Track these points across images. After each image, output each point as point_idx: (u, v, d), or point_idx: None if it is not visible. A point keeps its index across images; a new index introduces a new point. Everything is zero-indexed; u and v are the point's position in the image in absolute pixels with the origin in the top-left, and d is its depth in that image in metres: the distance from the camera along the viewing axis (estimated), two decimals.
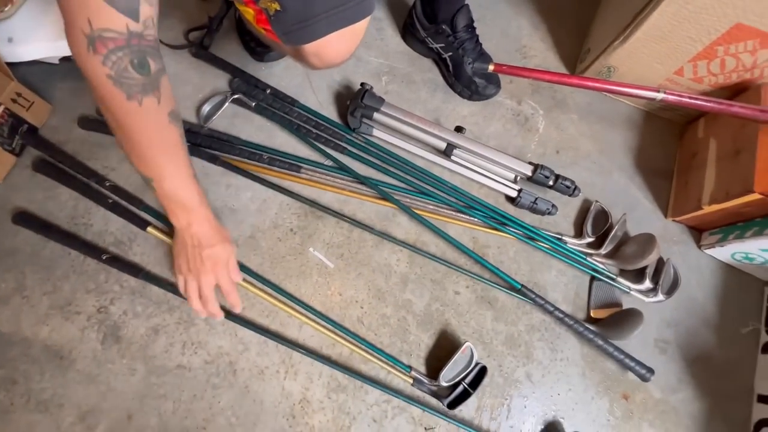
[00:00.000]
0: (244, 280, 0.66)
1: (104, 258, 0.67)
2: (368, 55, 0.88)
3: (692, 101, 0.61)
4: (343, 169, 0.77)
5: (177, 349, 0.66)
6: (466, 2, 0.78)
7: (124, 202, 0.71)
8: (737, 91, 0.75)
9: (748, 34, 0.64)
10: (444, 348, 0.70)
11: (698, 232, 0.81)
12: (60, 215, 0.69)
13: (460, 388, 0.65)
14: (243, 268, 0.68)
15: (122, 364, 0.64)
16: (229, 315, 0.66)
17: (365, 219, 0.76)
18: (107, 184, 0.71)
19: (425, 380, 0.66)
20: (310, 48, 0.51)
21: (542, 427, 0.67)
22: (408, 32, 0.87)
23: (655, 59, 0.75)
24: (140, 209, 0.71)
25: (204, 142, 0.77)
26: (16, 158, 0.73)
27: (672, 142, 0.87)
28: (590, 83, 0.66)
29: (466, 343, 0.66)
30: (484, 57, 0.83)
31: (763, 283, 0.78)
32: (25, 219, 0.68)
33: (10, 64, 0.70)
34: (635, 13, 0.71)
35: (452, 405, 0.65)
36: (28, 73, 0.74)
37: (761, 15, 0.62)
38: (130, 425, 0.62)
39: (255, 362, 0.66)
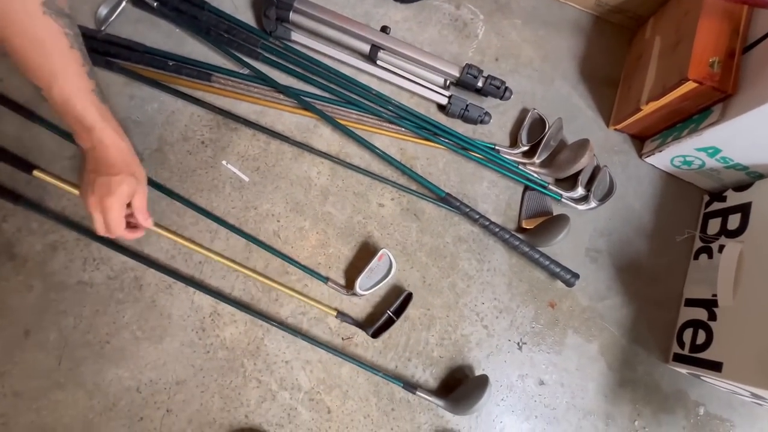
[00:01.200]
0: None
1: None
2: None
3: None
4: (259, 77, 0.71)
5: (77, 265, 0.62)
6: None
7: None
8: None
9: None
10: (365, 260, 0.67)
11: (640, 141, 0.77)
12: None
13: (384, 317, 0.63)
14: (151, 183, 0.63)
15: (17, 281, 0.60)
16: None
17: (284, 131, 0.71)
18: None
19: (342, 290, 0.64)
20: None
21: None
22: None
23: None
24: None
25: (101, 48, 0.69)
26: None
27: (620, 49, 0.81)
28: None
29: (383, 250, 0.63)
30: None
31: (701, 191, 0.75)
32: None
33: None
34: None
35: (376, 334, 0.63)
36: None
37: None
38: (27, 341, 0.59)
39: (162, 277, 0.63)
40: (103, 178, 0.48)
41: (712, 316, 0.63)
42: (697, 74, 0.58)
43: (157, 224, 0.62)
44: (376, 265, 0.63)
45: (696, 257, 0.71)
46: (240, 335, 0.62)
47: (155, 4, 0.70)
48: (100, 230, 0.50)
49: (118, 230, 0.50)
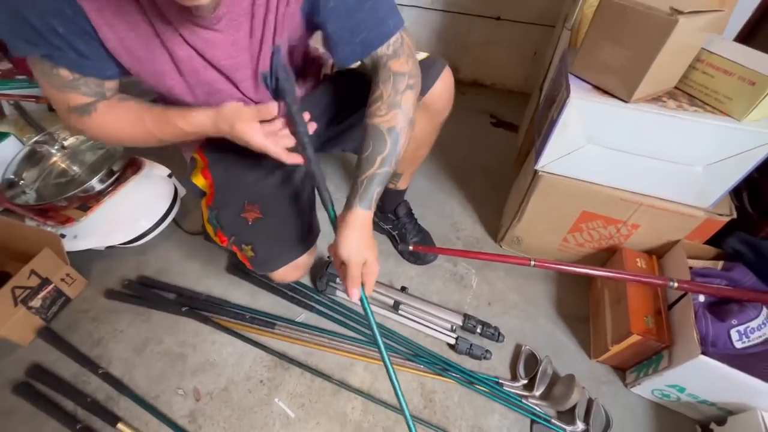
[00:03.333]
0: None
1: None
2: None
3: (560, 267, 0.82)
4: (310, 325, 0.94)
5: None
6: (404, 199, 1.10)
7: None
8: (611, 252, 0.99)
9: (593, 217, 0.92)
10: None
11: (622, 371, 0.91)
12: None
13: None
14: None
15: None
16: None
17: (326, 369, 0.88)
18: (100, 371, 0.84)
19: None
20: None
21: None
22: None
23: (545, 232, 1.02)
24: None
25: (200, 306, 0.96)
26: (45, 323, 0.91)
27: (584, 292, 1.06)
28: (478, 255, 0.89)
29: None
30: (423, 233, 1.11)
31: (693, 422, 0.84)
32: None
33: (68, 252, 0.96)
34: (519, 202, 1.01)
35: None
36: (77, 256, 0.99)
37: (596, 206, 0.90)
38: None
39: None
40: (373, 261, 0.60)
41: None
42: (638, 329, 0.78)
43: None
44: None
45: None
46: None
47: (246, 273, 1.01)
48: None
49: (276, 147, 0.59)
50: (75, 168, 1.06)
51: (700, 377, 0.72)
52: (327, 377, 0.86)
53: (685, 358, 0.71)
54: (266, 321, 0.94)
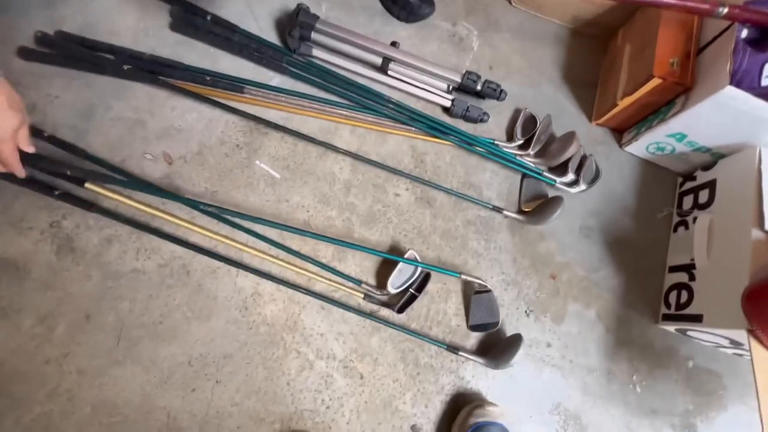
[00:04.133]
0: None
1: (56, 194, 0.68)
2: None
3: None
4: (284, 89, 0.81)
5: (131, 255, 0.69)
6: None
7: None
8: None
9: None
10: (386, 243, 0.75)
11: (619, 133, 0.88)
12: None
13: (407, 294, 0.70)
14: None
15: (77, 272, 0.67)
16: (175, 239, 0.69)
17: (309, 133, 0.80)
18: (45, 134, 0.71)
19: (375, 292, 0.71)
20: None
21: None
22: None
23: None
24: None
25: (147, 67, 0.79)
26: None
27: (596, 55, 0.94)
28: None
29: (410, 251, 0.71)
30: None
31: (675, 174, 0.86)
32: None
33: None
34: None
35: (401, 310, 0.70)
36: None
37: None
38: (88, 324, 0.65)
39: (207, 264, 0.70)
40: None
41: (692, 278, 0.72)
42: (661, 72, 0.70)
43: (199, 225, 0.70)
44: (404, 265, 0.70)
45: (675, 230, 0.81)
46: (279, 312, 0.70)
47: (193, 28, 0.81)
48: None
49: (17, 166, 0.57)
50: None
51: (712, 116, 0.68)
52: (311, 139, 0.78)
53: (707, 93, 0.64)
54: (233, 84, 0.80)
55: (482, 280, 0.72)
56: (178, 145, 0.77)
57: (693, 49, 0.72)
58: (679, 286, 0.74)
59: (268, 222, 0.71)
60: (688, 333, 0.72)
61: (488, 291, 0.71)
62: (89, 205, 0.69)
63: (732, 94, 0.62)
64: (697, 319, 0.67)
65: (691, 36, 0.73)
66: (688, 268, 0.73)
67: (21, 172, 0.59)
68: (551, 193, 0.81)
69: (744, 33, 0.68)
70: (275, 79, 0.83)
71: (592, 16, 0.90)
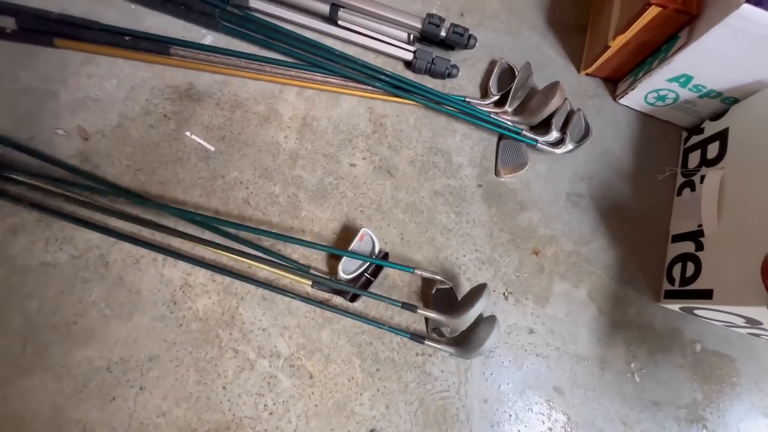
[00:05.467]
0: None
1: None
2: None
3: None
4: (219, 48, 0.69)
5: (39, 246, 0.60)
6: None
7: None
8: None
9: None
10: (339, 221, 0.65)
11: (613, 84, 0.76)
12: None
13: (361, 280, 0.60)
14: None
15: None
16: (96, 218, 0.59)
17: (249, 98, 0.69)
18: None
19: (326, 278, 0.60)
20: None
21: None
22: None
23: None
24: None
25: (55, 29, 0.68)
26: None
27: None
28: None
29: (363, 230, 0.60)
30: None
31: (679, 129, 0.74)
32: None
33: None
34: None
35: (354, 298, 0.60)
36: None
37: None
38: None
39: (129, 252, 0.60)
40: None
41: (700, 247, 0.61)
42: None
43: (117, 209, 0.60)
44: (357, 246, 0.60)
45: (679, 193, 0.69)
46: (213, 305, 0.60)
47: None
48: None
49: None
50: None
51: (723, 48, 0.55)
52: (248, 106, 0.67)
53: (718, 18, 0.52)
54: (157, 44, 0.68)
55: (439, 276, 0.60)
56: (96, 117, 0.66)
57: None
58: (684, 258, 0.63)
59: (193, 214, 0.60)
60: (695, 312, 0.62)
61: (449, 287, 0.60)
62: None
63: (749, 14, 0.49)
64: (706, 295, 0.56)
65: None
66: (695, 236, 0.62)
67: None
68: (533, 158, 0.69)
69: None
70: (208, 37, 0.72)
71: None
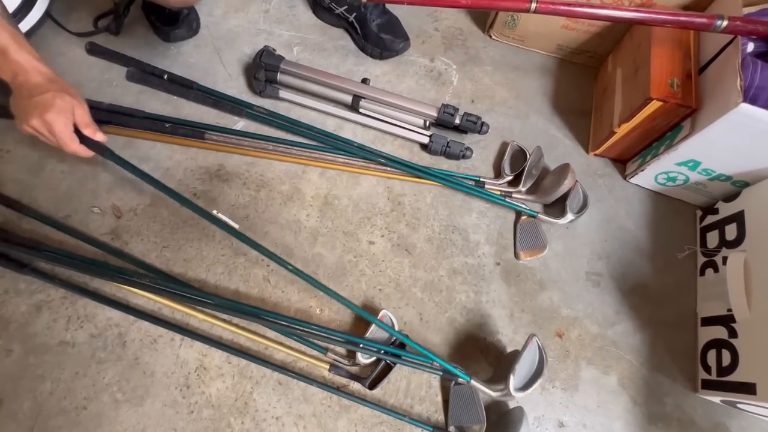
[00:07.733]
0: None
1: None
2: (280, 29, 0.89)
3: (572, 9, 0.59)
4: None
5: (61, 324, 0.60)
6: None
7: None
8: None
9: None
10: (358, 299, 0.64)
11: (621, 164, 0.79)
12: None
13: (381, 365, 0.58)
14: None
15: None
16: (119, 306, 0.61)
17: (274, 178, 0.73)
18: None
19: (344, 362, 0.59)
20: None
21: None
22: (316, 5, 0.88)
23: None
24: None
25: (103, 117, 0.75)
26: None
27: (587, 83, 0.87)
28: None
29: (383, 311, 0.60)
30: (388, 15, 0.84)
31: (693, 207, 0.75)
32: None
33: None
34: None
35: (373, 384, 0.58)
36: None
37: None
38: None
39: (147, 331, 0.60)
40: (36, 99, 0.48)
41: (733, 333, 0.58)
42: (659, 93, 0.61)
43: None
44: (376, 327, 0.59)
45: (702, 273, 0.68)
46: (227, 390, 0.58)
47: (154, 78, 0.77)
48: (56, 144, 0.51)
49: (71, 143, 0.52)
50: None
51: (726, 139, 0.58)
52: (273, 185, 0.71)
53: (719, 113, 0.55)
54: (193, 129, 0.75)
55: (462, 369, 0.56)
56: (130, 197, 0.70)
57: (694, 68, 0.65)
58: (718, 344, 0.60)
59: (209, 296, 0.61)
60: (739, 406, 0.57)
61: (467, 383, 0.56)
62: (21, 266, 0.62)
63: (747, 111, 0.52)
64: (748, 389, 0.53)
65: (689, 54, 0.66)
66: (726, 321, 0.60)
67: (74, 148, 0.53)
68: (549, 237, 0.70)
69: (750, 47, 0.60)
70: (240, 122, 0.78)
71: (578, 45, 0.84)
